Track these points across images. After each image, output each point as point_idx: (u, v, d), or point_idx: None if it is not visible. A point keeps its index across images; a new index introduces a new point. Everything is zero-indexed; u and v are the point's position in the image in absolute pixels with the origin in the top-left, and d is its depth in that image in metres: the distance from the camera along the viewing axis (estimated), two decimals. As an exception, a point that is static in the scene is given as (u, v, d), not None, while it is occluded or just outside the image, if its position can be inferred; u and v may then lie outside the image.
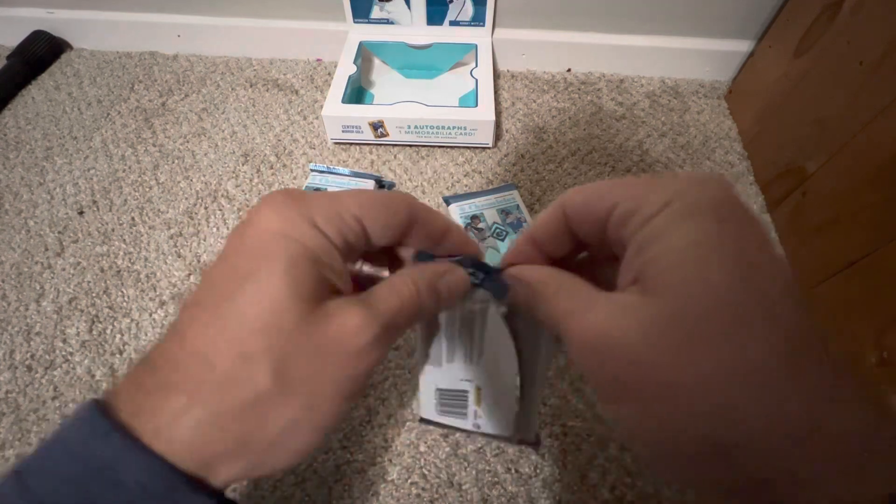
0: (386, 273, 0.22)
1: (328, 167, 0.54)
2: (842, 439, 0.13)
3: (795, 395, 0.13)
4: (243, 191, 0.55)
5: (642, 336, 0.14)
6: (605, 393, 0.16)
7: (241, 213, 0.53)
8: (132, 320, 0.45)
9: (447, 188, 0.55)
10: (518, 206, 0.51)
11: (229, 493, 0.23)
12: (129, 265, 0.49)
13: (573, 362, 0.18)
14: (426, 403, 0.24)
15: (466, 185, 0.55)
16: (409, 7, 0.62)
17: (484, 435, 0.23)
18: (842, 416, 0.13)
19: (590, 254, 0.21)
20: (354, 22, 0.65)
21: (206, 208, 0.53)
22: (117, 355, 0.43)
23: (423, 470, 0.37)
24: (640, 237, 0.15)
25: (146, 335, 0.44)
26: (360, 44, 0.63)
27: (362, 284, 0.19)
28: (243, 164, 0.57)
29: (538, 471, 0.37)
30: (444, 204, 0.52)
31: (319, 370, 0.16)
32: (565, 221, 0.18)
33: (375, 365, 0.17)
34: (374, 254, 0.22)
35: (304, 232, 0.17)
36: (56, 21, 0.70)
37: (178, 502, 0.15)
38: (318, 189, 0.52)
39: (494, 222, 0.49)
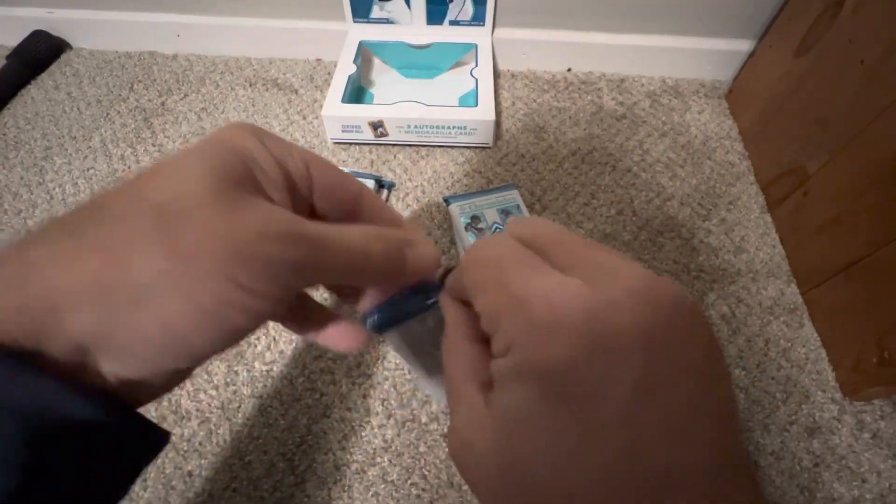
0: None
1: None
2: None
3: None
4: (243, 191, 0.55)
5: (478, 474, 0.14)
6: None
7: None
8: (132, 321, 0.45)
9: (447, 188, 0.55)
10: (518, 205, 0.50)
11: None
12: (129, 265, 0.49)
13: None
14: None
15: (466, 185, 0.55)
16: (408, 6, 0.62)
17: None
18: None
19: None
20: (354, 21, 0.65)
21: (205, 208, 0.53)
22: (117, 356, 0.43)
23: (424, 470, 0.37)
24: (491, 368, 0.14)
25: (146, 335, 0.44)
26: (360, 43, 0.63)
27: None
28: (243, 164, 0.57)
29: (538, 471, 0.37)
30: (444, 204, 0.52)
31: (211, 240, 0.14)
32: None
33: (273, 276, 0.14)
34: (342, 288, 0.21)
35: (247, 140, 0.16)
36: (55, 21, 0.69)
37: (20, 384, 0.13)
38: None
39: (495, 222, 0.49)
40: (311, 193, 0.18)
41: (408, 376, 0.41)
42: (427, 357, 0.22)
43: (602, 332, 0.12)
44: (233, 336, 0.15)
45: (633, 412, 0.12)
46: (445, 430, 0.38)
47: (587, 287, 0.13)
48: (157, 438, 0.17)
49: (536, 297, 0.13)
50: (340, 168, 0.19)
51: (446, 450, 0.37)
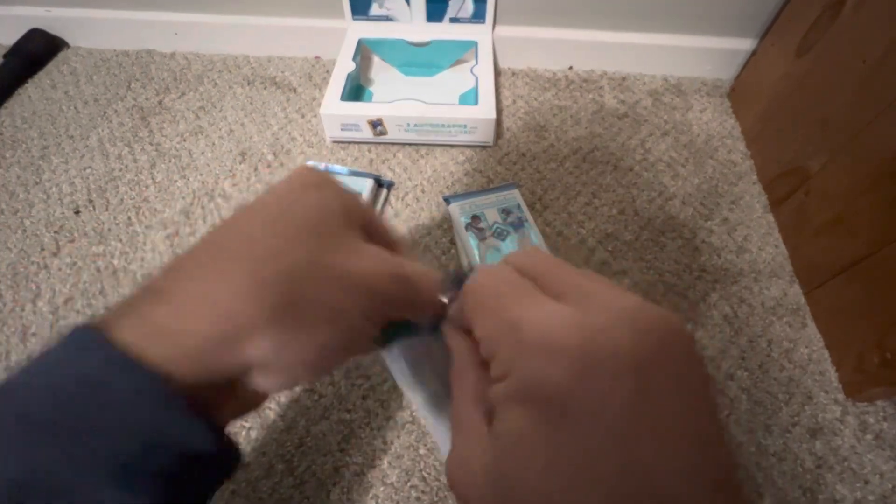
0: None
1: (326, 166, 0.54)
2: None
3: None
4: (240, 190, 0.54)
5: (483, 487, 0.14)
6: None
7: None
8: (129, 321, 0.44)
9: (447, 187, 0.54)
10: (519, 205, 0.50)
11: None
12: (126, 265, 0.48)
13: None
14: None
15: (467, 184, 0.55)
16: (408, 4, 0.62)
17: None
18: None
19: None
20: (353, 19, 0.64)
21: (202, 207, 0.53)
22: (114, 356, 0.42)
23: (423, 473, 0.37)
24: (490, 394, 0.15)
25: (143, 336, 0.43)
26: (359, 41, 0.63)
27: None
28: (240, 163, 0.57)
29: (539, 473, 0.36)
30: (444, 203, 0.52)
31: (360, 268, 0.17)
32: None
33: (390, 297, 0.18)
34: None
35: (338, 188, 0.19)
36: (53, 19, 0.69)
37: (164, 419, 0.14)
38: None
39: (495, 222, 0.48)
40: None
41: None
42: (424, 385, 0.22)
43: (594, 355, 0.13)
44: (352, 357, 0.19)
45: (628, 433, 0.12)
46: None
47: (580, 313, 0.14)
48: (239, 457, 0.18)
49: (531, 322, 0.14)
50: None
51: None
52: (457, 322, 0.19)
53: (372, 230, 0.20)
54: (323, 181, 0.19)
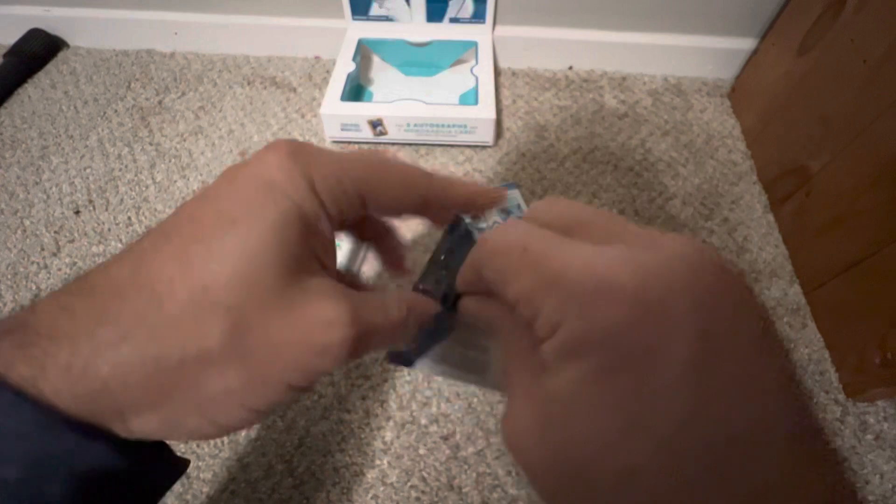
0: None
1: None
2: None
3: None
4: (241, 190, 0.54)
5: (533, 463, 0.13)
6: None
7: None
8: (129, 321, 0.44)
9: (447, 187, 0.54)
10: (519, 205, 0.50)
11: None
12: (126, 265, 0.48)
13: None
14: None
15: (466, 185, 0.54)
16: (408, 4, 0.62)
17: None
18: None
19: None
20: (353, 19, 0.64)
21: (203, 208, 0.53)
22: (114, 357, 0.42)
23: (423, 473, 0.37)
24: (540, 354, 0.13)
25: (143, 336, 0.43)
26: (359, 41, 0.63)
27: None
28: (241, 163, 0.57)
29: (539, 474, 0.36)
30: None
31: (276, 350, 0.14)
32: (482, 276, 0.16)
33: (330, 368, 0.15)
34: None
35: (300, 191, 0.15)
36: (52, 19, 0.69)
37: (48, 441, 0.13)
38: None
39: (495, 221, 0.48)
40: (364, 209, 0.17)
41: (407, 377, 0.41)
42: (467, 363, 0.21)
43: (651, 297, 0.11)
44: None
45: (695, 376, 0.11)
46: (444, 433, 0.38)
47: (628, 253, 0.12)
48: (179, 467, 0.17)
49: (575, 268, 0.12)
50: (405, 167, 0.18)
51: (446, 452, 0.37)
52: (472, 288, 0.17)
53: (383, 210, 0.18)
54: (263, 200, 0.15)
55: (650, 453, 0.11)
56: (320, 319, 0.14)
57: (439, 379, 0.40)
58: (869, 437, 0.38)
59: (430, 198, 0.18)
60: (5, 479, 0.13)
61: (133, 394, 0.14)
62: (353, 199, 0.16)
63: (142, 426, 0.14)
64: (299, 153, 0.16)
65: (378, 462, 0.37)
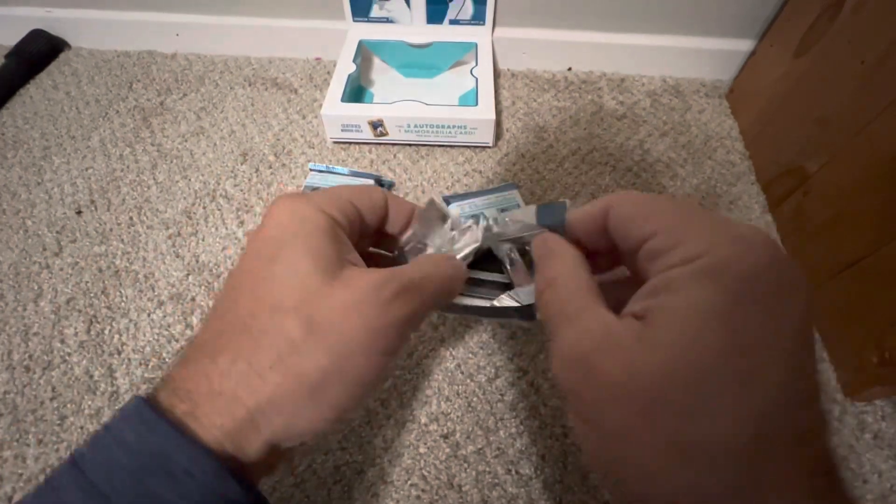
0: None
1: (327, 166, 0.54)
2: None
3: (724, 483, 0.13)
4: (242, 190, 0.54)
5: (635, 367, 0.14)
6: (576, 408, 0.17)
7: (239, 213, 0.52)
8: (130, 320, 0.45)
9: (447, 187, 0.55)
10: (518, 205, 0.50)
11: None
12: (128, 265, 0.48)
13: (552, 368, 0.18)
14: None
15: (466, 185, 0.55)
16: (408, 6, 0.62)
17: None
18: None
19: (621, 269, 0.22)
20: (354, 20, 0.65)
21: (204, 208, 0.53)
22: (115, 356, 0.42)
23: (423, 471, 0.37)
24: (659, 280, 0.16)
25: (144, 335, 0.44)
26: (360, 42, 0.63)
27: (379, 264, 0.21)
28: (242, 164, 0.57)
29: (539, 472, 0.37)
30: (443, 204, 0.52)
31: (345, 320, 0.17)
32: (605, 225, 0.19)
33: (406, 324, 0.18)
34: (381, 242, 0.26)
35: (313, 214, 0.20)
36: (54, 20, 0.69)
37: (216, 488, 0.16)
38: (316, 188, 0.51)
39: (495, 218, 0.48)
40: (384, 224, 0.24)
41: (408, 377, 0.41)
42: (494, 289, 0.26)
43: (782, 254, 0.15)
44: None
45: (807, 323, 0.15)
46: (444, 431, 0.38)
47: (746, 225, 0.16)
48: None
49: (720, 220, 0.16)
50: (369, 188, 0.24)
51: (445, 450, 0.37)
52: (579, 232, 0.20)
53: (367, 229, 0.23)
54: (293, 231, 0.19)
55: (767, 366, 0.14)
56: (365, 284, 0.18)
57: (439, 377, 0.41)
58: (867, 436, 0.39)
59: (387, 204, 0.24)
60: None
61: (257, 397, 0.17)
62: (349, 208, 0.21)
63: (271, 429, 0.17)
64: (300, 194, 0.21)
65: (378, 460, 0.37)
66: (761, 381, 0.14)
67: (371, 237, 0.25)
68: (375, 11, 0.63)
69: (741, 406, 0.13)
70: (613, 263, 0.21)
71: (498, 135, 0.59)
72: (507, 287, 0.26)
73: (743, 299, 0.14)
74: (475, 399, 0.40)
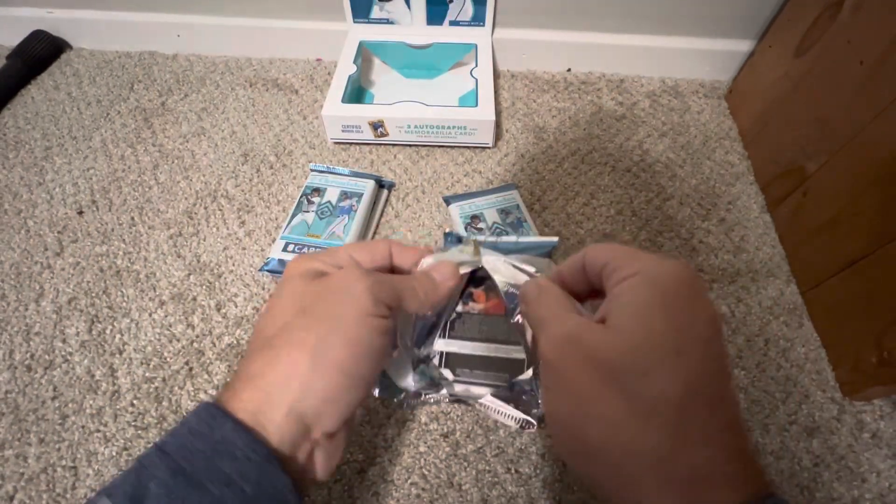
0: None
1: (328, 167, 0.54)
2: (681, 470, 0.18)
3: (658, 427, 0.18)
4: (243, 191, 0.55)
5: (601, 346, 0.20)
6: (556, 380, 0.22)
7: (240, 213, 0.53)
8: (132, 320, 0.45)
9: (447, 188, 0.55)
10: (518, 205, 0.50)
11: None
12: (129, 265, 0.49)
13: (540, 355, 0.23)
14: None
15: (466, 185, 0.55)
16: (408, 7, 0.62)
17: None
18: (693, 452, 0.18)
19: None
20: (354, 22, 0.65)
21: (205, 208, 0.53)
22: (117, 355, 0.43)
23: (423, 470, 0.37)
24: (614, 290, 0.21)
25: (146, 335, 0.44)
26: (360, 43, 0.63)
27: None
28: (243, 164, 0.57)
29: (538, 471, 0.37)
30: (444, 204, 0.52)
31: (337, 304, 0.24)
32: (583, 263, 0.25)
33: (379, 311, 0.24)
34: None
35: (360, 281, 0.25)
36: (55, 21, 0.70)
37: (268, 472, 0.21)
38: (317, 188, 0.52)
39: (494, 222, 0.49)
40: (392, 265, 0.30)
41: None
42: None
43: (691, 272, 0.21)
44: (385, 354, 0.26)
45: (714, 320, 0.20)
46: (444, 430, 0.38)
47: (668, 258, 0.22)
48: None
49: (644, 255, 0.22)
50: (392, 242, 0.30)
51: (445, 449, 0.37)
52: (567, 276, 0.27)
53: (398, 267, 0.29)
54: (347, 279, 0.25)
55: (690, 345, 0.19)
56: (348, 279, 0.25)
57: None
58: (866, 435, 0.39)
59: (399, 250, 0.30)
60: (244, 490, 0.20)
61: (318, 413, 0.22)
62: (381, 259, 0.28)
63: (324, 427, 0.23)
64: (310, 257, 0.27)
65: (379, 459, 0.37)
66: (687, 354, 0.19)
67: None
68: (376, 13, 0.64)
69: (676, 370, 0.19)
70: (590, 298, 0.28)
71: (498, 135, 0.59)
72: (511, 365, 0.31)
73: (669, 299, 0.20)
74: (475, 398, 0.40)
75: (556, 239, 0.38)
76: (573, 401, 0.20)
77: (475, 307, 0.32)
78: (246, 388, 0.23)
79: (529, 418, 0.33)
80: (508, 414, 0.32)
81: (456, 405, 0.39)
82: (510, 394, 0.33)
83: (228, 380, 0.23)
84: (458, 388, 0.32)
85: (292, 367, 0.22)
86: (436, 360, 0.36)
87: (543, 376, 0.23)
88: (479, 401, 0.32)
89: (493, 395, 0.32)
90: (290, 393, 0.22)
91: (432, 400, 0.35)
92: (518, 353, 0.32)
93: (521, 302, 0.27)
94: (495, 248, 0.34)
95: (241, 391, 0.22)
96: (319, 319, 0.23)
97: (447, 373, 0.32)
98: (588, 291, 0.26)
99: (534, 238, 0.38)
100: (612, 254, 0.23)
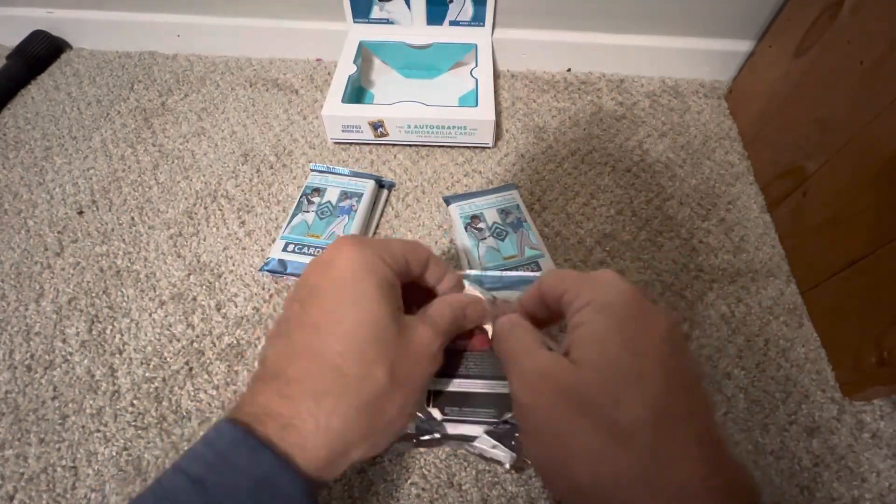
0: None
1: (328, 167, 0.54)
2: (668, 490, 0.19)
3: (638, 452, 0.19)
4: (243, 191, 0.55)
5: (572, 380, 0.21)
6: (531, 421, 0.23)
7: (240, 213, 0.53)
8: (132, 320, 0.45)
9: (447, 188, 0.55)
10: (518, 205, 0.50)
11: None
12: (129, 265, 0.49)
13: (513, 396, 0.24)
14: None
15: (466, 185, 0.55)
16: (409, 7, 0.62)
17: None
18: (675, 470, 0.19)
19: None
20: (354, 22, 0.65)
21: (205, 208, 0.53)
22: (117, 355, 0.43)
23: (423, 470, 0.37)
24: (573, 320, 0.23)
25: (146, 335, 0.44)
26: (360, 43, 0.63)
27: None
28: (243, 164, 0.57)
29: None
30: (444, 204, 0.52)
31: (414, 370, 0.24)
32: (540, 296, 0.26)
33: (436, 367, 0.26)
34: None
35: (382, 267, 0.24)
36: (55, 21, 0.70)
37: None
38: (317, 188, 0.52)
39: (494, 222, 0.49)
40: (410, 269, 0.28)
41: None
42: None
43: (640, 294, 0.23)
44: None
45: (670, 335, 0.22)
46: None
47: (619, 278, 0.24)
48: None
49: (599, 277, 0.24)
50: (418, 244, 0.29)
51: (445, 449, 0.38)
52: (531, 306, 0.28)
53: (408, 278, 0.27)
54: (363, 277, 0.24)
55: (650, 366, 0.20)
56: (423, 341, 0.25)
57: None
58: (866, 435, 0.39)
59: (428, 261, 0.28)
60: None
61: (353, 435, 0.22)
62: (404, 264, 0.26)
63: (358, 454, 0.23)
64: (367, 241, 0.25)
65: (379, 459, 0.37)
66: (647, 376, 0.20)
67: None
68: (376, 12, 0.64)
69: (643, 393, 0.20)
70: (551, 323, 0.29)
71: (498, 135, 0.59)
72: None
73: (623, 324, 0.21)
74: (475, 398, 0.40)
75: (539, 274, 0.38)
76: (554, 440, 0.21)
77: (460, 344, 0.31)
78: (271, 402, 0.23)
79: (527, 459, 0.31)
80: (503, 455, 0.31)
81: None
82: (505, 430, 0.31)
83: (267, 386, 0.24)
84: (450, 428, 0.31)
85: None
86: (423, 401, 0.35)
87: (521, 420, 0.24)
88: (473, 443, 0.31)
89: (487, 432, 0.31)
90: (346, 434, 0.22)
91: (424, 445, 0.33)
92: (506, 388, 0.31)
93: (494, 339, 0.28)
94: (480, 282, 0.34)
95: (284, 392, 0.23)
96: (403, 395, 0.24)
97: (436, 412, 0.31)
98: (549, 317, 0.27)
99: (518, 273, 0.39)
100: (566, 283, 0.24)
